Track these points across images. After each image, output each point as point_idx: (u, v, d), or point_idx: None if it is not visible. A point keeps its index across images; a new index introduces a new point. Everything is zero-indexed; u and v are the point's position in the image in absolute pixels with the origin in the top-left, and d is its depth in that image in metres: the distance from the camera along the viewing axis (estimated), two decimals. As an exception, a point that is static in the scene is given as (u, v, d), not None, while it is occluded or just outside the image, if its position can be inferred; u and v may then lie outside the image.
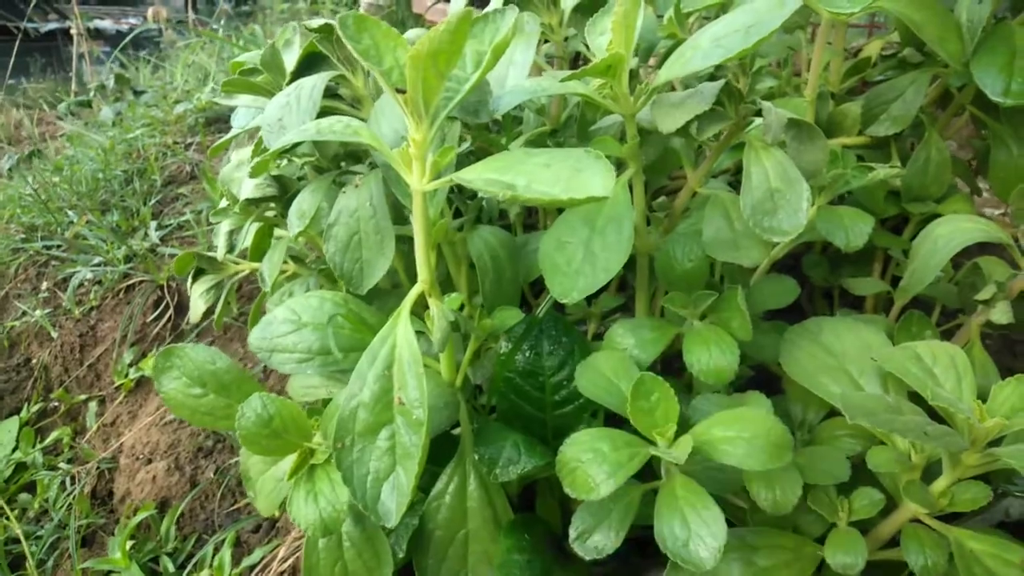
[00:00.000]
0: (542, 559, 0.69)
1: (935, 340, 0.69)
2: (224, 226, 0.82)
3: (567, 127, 0.84)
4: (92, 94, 3.59)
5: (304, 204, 0.75)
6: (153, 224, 1.83)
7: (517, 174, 0.47)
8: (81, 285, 1.79)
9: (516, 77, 0.69)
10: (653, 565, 0.87)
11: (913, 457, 0.61)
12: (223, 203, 0.84)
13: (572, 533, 0.68)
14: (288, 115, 0.62)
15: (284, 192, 0.80)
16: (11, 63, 4.61)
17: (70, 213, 1.99)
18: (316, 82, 0.62)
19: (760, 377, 0.86)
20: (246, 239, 0.85)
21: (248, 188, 0.78)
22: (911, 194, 0.88)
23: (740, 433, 0.58)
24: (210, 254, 0.88)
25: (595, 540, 0.66)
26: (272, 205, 0.86)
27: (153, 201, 1.94)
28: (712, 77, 0.74)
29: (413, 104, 0.50)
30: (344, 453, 0.55)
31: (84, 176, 2.11)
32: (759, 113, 0.66)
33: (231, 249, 0.82)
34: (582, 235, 0.63)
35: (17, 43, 4.49)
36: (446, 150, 0.53)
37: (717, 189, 0.72)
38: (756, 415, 0.60)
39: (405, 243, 0.88)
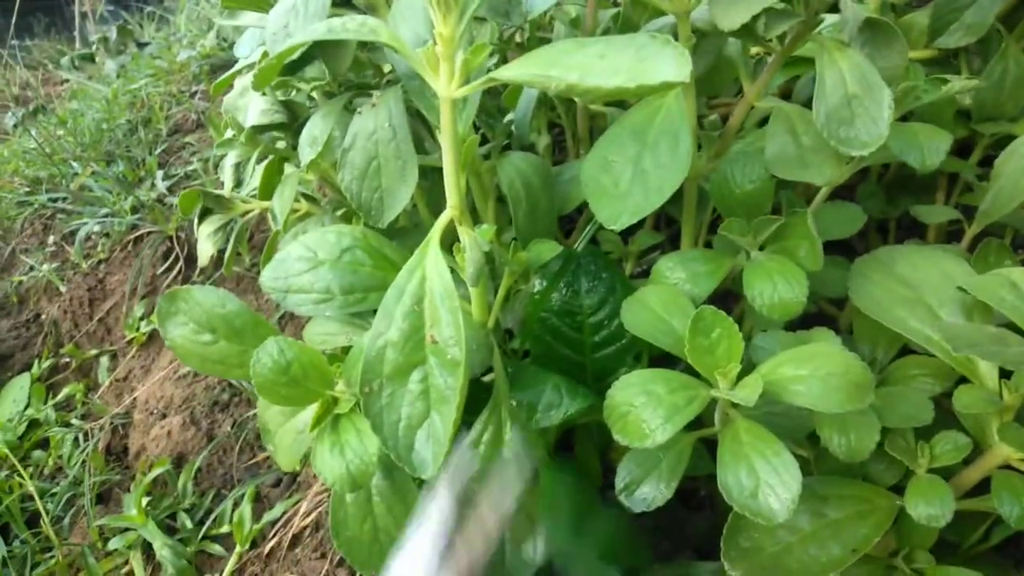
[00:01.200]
0: (583, 498, 0.63)
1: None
2: (230, 158, 0.75)
3: (604, 41, 0.76)
4: (95, 47, 3.49)
5: (316, 130, 0.68)
6: (160, 174, 1.77)
7: (567, 68, 0.40)
8: (88, 238, 1.73)
9: (551, -21, 0.61)
10: (699, 517, 0.82)
11: (1006, 396, 0.54)
12: (228, 133, 0.77)
13: (619, 483, 0.62)
14: (294, 20, 0.55)
15: (294, 119, 0.73)
16: (13, 23, 4.51)
17: (75, 165, 1.92)
18: (325, -21, 0.55)
19: (819, 318, 0.79)
20: (254, 174, 0.78)
21: (254, 114, 0.71)
22: (984, 112, 0.79)
23: (814, 371, 0.51)
24: (217, 192, 0.82)
25: (643, 492, 0.61)
26: (281, 136, 0.79)
27: (159, 151, 1.87)
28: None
29: (440, -8, 0.43)
30: (372, 398, 0.49)
31: (88, 127, 2.04)
32: (830, 9, 0.58)
33: (238, 184, 0.76)
34: (631, 152, 0.56)
35: (18, 3, 4.39)
36: (479, 47, 0.46)
37: (777, 103, 0.65)
38: (831, 351, 0.53)
39: (425, 176, 0.82)
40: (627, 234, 0.91)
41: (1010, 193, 0.62)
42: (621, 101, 0.88)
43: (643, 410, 0.53)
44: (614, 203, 0.55)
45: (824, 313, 0.83)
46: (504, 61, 1.10)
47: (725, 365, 0.54)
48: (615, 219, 0.54)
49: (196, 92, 2.18)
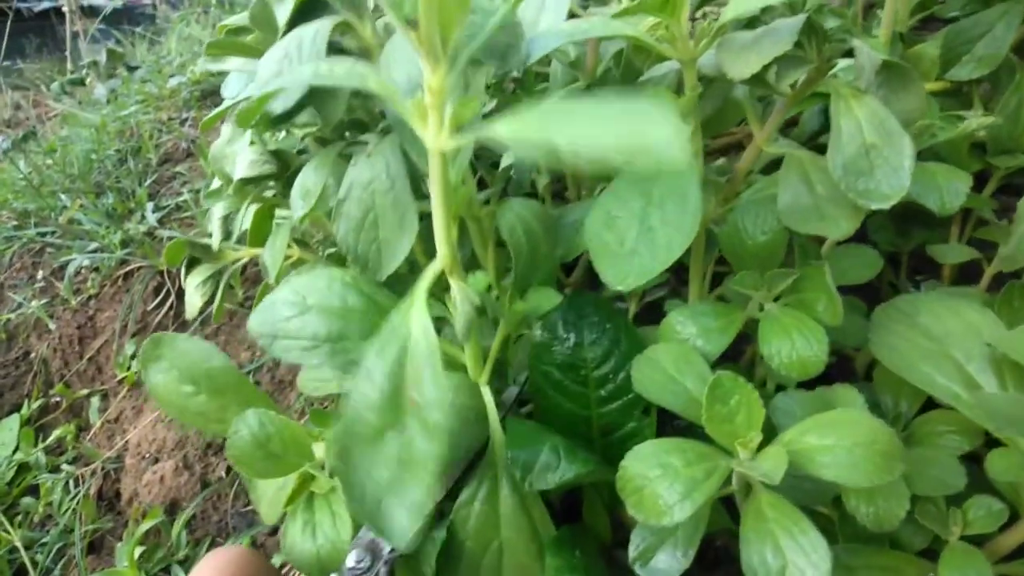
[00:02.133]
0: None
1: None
2: (217, 210, 0.72)
3: (604, 82, 0.73)
4: (85, 72, 3.47)
5: (308, 181, 0.65)
6: (150, 206, 1.74)
7: (556, 129, 0.36)
8: (78, 273, 1.70)
9: (551, 21, 0.58)
10: None
11: (1043, 461, 0.51)
12: (215, 183, 0.74)
13: (632, 552, 0.59)
14: (287, 68, 0.51)
15: (284, 169, 0.70)
16: (4, 44, 4.48)
17: (63, 197, 1.89)
18: (318, 28, 0.52)
19: (840, 366, 0.76)
20: (243, 223, 0.75)
21: (243, 166, 0.68)
22: (999, 145, 0.77)
23: (839, 441, 0.48)
24: (204, 241, 0.78)
25: (660, 561, 0.57)
26: (271, 184, 0.76)
27: (149, 181, 1.84)
28: (753, 22, 0.63)
29: (428, 41, 0.40)
30: (346, 460, 0.45)
31: (77, 157, 2.01)
32: (843, 55, 0.55)
33: (227, 236, 0.72)
34: (636, 207, 0.53)
35: (9, 23, 4.36)
36: (467, 100, 0.43)
37: (787, 148, 0.62)
38: (856, 418, 0.50)
39: (423, 220, 0.78)
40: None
41: (1037, 236, 0.59)
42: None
43: (659, 484, 0.50)
44: (619, 263, 0.52)
45: (840, 354, 0.80)
46: (503, 102, 1.08)
47: (745, 434, 0.50)
48: (621, 280, 0.51)
49: (186, 119, 2.15)
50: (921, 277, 0.86)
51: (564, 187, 1.04)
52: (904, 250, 0.89)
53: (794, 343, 0.55)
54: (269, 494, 0.70)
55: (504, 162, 0.77)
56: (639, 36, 0.53)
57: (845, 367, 0.77)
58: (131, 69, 3.25)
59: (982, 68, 0.74)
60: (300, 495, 0.55)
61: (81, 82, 3.53)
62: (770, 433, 0.53)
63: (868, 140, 0.51)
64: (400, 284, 0.78)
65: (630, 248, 0.53)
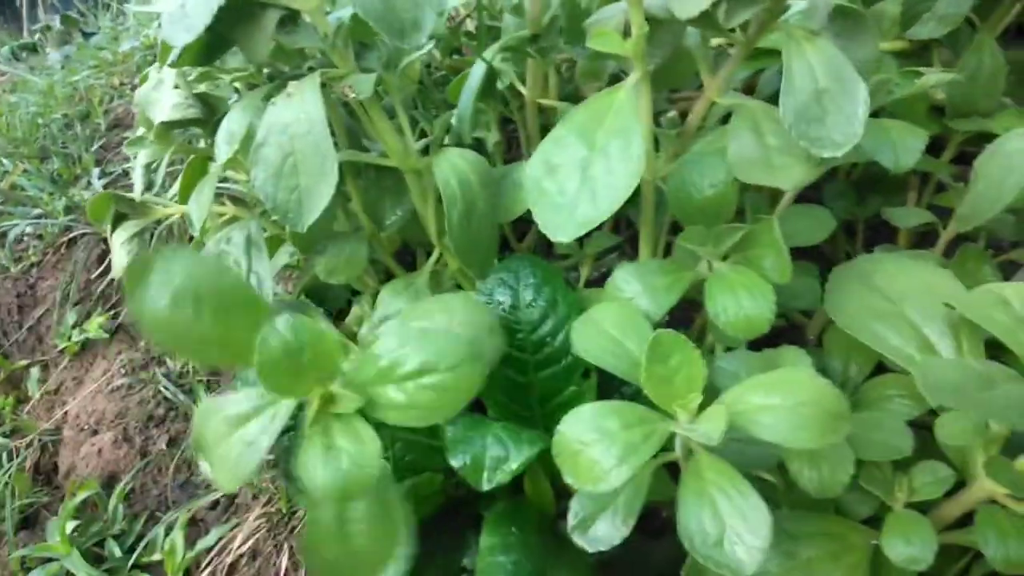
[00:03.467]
0: (533, 557, 0.57)
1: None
2: (140, 158, 0.67)
3: (551, 31, 0.70)
4: (37, 37, 3.34)
5: (234, 124, 0.61)
6: (96, 172, 1.66)
7: None
8: (19, 240, 1.62)
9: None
10: (661, 545, 0.76)
11: (993, 427, 0.49)
12: (139, 131, 0.69)
13: (571, 520, 0.56)
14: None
15: (211, 114, 0.66)
16: (-44, 10, 4.30)
17: (5, 162, 1.81)
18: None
19: (789, 330, 0.74)
20: (166, 175, 0.70)
21: (166, 109, 0.64)
22: (957, 108, 0.75)
23: (783, 401, 0.46)
24: (129, 195, 0.74)
25: (599, 529, 0.55)
26: (201, 133, 0.72)
27: (96, 147, 1.76)
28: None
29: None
30: None
31: (20, 120, 1.92)
32: (798, -3, 0.53)
33: (150, 186, 0.68)
34: (578, 155, 0.50)
35: (-39, -11, 4.19)
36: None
37: (740, 99, 0.59)
38: (802, 378, 0.47)
39: (361, 174, 0.74)
40: (583, 235, 0.85)
41: (993, 196, 0.57)
42: (572, 98, 0.82)
43: (595, 448, 0.47)
44: (560, 213, 0.49)
45: (791, 321, 0.78)
46: (458, 52, 1.04)
47: (685, 396, 0.48)
48: (561, 231, 0.48)
49: (138, 85, 2.07)
50: (878, 247, 0.85)
51: (519, 154, 1.01)
52: (861, 217, 0.87)
53: (740, 301, 0.52)
54: (233, 454, 0.63)
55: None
56: (582, -30, 0.49)
57: (796, 334, 0.75)
58: (87, 36, 3.14)
59: (942, 27, 0.72)
60: (321, 419, 0.49)
61: (33, 47, 3.41)
62: (714, 396, 0.50)
63: (821, 85, 0.48)
64: (340, 245, 0.75)
65: (571, 198, 0.50)
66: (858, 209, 0.86)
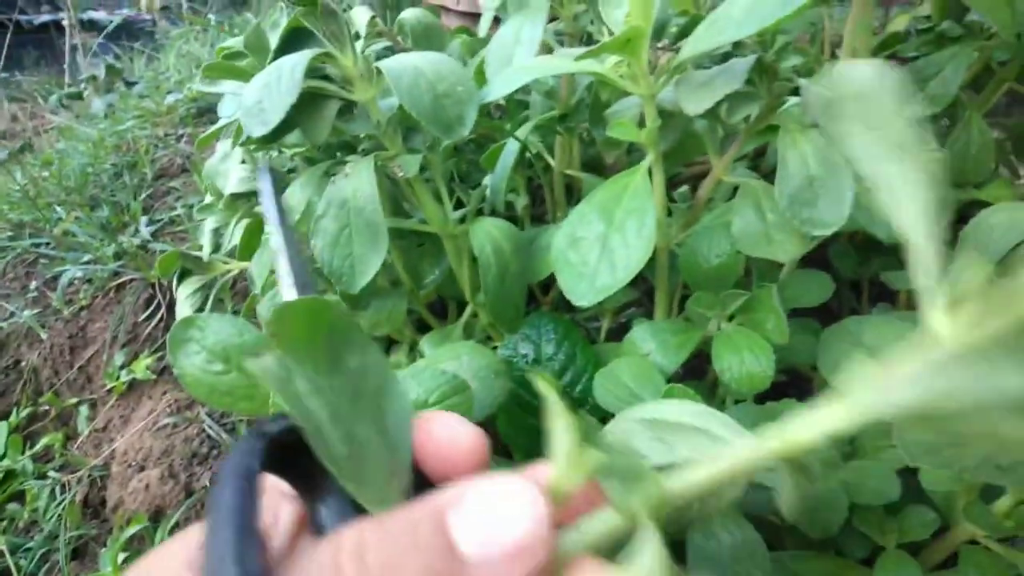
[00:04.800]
0: None
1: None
2: (209, 223, 0.76)
3: (578, 111, 0.78)
4: (83, 86, 3.51)
5: (293, 198, 0.69)
6: (144, 220, 1.77)
7: None
8: (71, 284, 1.72)
9: (523, 56, 0.63)
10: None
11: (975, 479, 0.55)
12: (208, 199, 0.78)
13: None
14: (268, 97, 0.55)
15: (272, 186, 0.74)
16: (3, 56, 4.52)
17: (58, 209, 1.92)
18: (298, 60, 0.56)
19: (794, 383, 0.80)
20: (233, 236, 0.79)
21: (233, 182, 0.72)
22: (950, 179, 0.81)
23: (780, 450, 0.52)
24: (196, 254, 0.82)
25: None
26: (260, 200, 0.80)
27: (143, 195, 1.87)
28: (726, 58, 0.68)
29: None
30: None
31: (73, 170, 2.04)
32: (792, 92, 0.60)
33: (217, 248, 0.76)
34: (598, 231, 0.57)
35: (9, 35, 4.41)
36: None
37: (745, 177, 0.66)
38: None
39: (405, 238, 0.82)
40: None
41: (973, 266, 0.63)
42: (595, 165, 0.90)
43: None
44: (582, 281, 0.56)
45: (802, 377, 0.84)
46: (487, 115, 1.12)
47: (694, 443, 0.54)
48: (584, 296, 0.55)
49: (182, 136, 2.19)
50: (882, 304, 0.91)
51: (544, 210, 1.08)
52: (865, 277, 0.93)
53: (743, 359, 0.59)
54: None
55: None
56: (604, 73, 0.57)
57: (802, 386, 0.81)
58: (129, 84, 3.30)
59: (934, 106, 0.79)
60: None
61: (79, 96, 3.58)
62: (720, 443, 0.57)
63: (813, 172, 0.55)
64: (382, 299, 0.82)
65: (592, 268, 0.57)
66: (861, 268, 0.92)
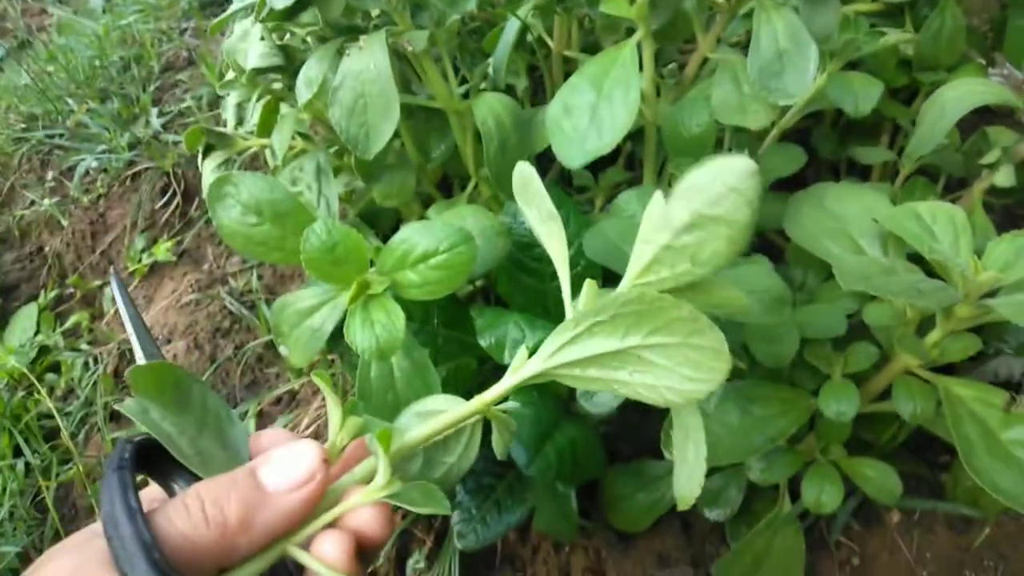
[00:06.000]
0: (549, 413, 0.73)
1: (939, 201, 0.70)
2: (232, 98, 0.82)
3: (575, -9, 0.82)
4: (79, -21, 3.45)
5: (311, 72, 0.75)
6: (154, 111, 1.81)
7: None
8: (87, 173, 1.79)
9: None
10: (652, 419, 0.92)
11: (908, 312, 0.64)
12: (230, 75, 0.83)
13: (579, 391, 0.71)
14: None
15: (290, 62, 0.80)
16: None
17: (70, 101, 1.96)
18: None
19: (764, 246, 0.88)
20: (254, 113, 0.85)
21: (254, 57, 0.78)
22: (923, 62, 0.87)
23: (741, 290, 0.60)
24: (219, 129, 0.88)
25: (601, 395, 0.70)
26: (278, 78, 0.86)
27: (152, 88, 1.91)
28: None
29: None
30: None
31: (80, 64, 2.07)
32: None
33: (240, 122, 0.83)
34: (588, 99, 0.64)
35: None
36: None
37: (726, 54, 0.72)
38: (756, 272, 0.62)
39: (412, 115, 0.89)
40: (598, 171, 0.99)
41: (928, 137, 0.70)
42: (595, 50, 0.95)
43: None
44: (573, 145, 0.63)
45: (772, 243, 0.92)
46: (490, 4, 1.16)
47: (668, 285, 0.62)
48: (573, 159, 0.62)
49: (186, 29, 2.20)
50: (853, 177, 0.98)
51: (544, 98, 1.14)
52: (843, 158, 1.00)
53: (716, 216, 0.66)
54: (303, 339, 0.79)
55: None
56: (596, -50, 0.62)
57: (778, 253, 0.89)
58: (126, -21, 3.25)
59: (911, -9, 0.84)
60: (359, 299, 0.65)
61: (75, -10, 3.52)
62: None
63: (782, 46, 0.62)
64: (392, 174, 0.89)
65: (582, 133, 0.64)
66: (840, 150, 0.99)
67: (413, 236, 0.65)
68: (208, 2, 2.41)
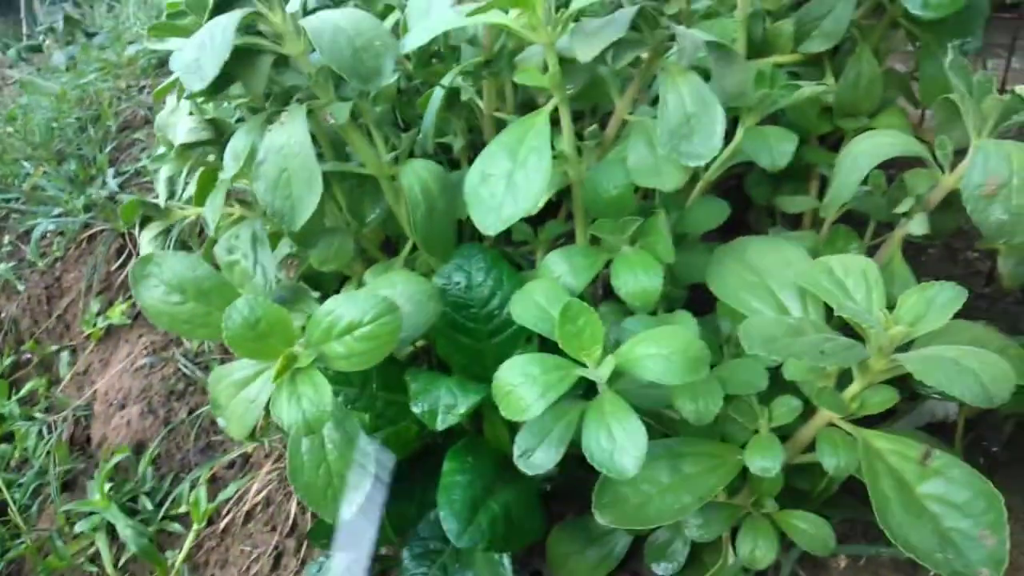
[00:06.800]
0: (484, 479, 0.73)
1: (853, 254, 0.71)
2: (163, 172, 0.82)
3: (500, 57, 0.84)
4: (42, 38, 3.47)
5: (238, 144, 0.75)
6: (111, 171, 1.82)
7: None
8: (43, 237, 1.78)
9: (439, 8, 0.69)
10: (597, 476, 0.92)
11: (828, 367, 0.64)
12: (160, 149, 0.84)
13: (516, 452, 0.71)
14: (204, 54, 0.62)
15: (220, 135, 0.81)
16: (-44, 8, 4.41)
17: (26, 164, 1.96)
18: (229, 19, 0.62)
19: (700, 295, 0.89)
20: (188, 186, 0.85)
21: (183, 133, 0.78)
22: (843, 110, 0.89)
23: (660, 350, 0.61)
24: (155, 201, 0.89)
25: (537, 457, 0.70)
26: (212, 150, 0.86)
27: (109, 148, 1.91)
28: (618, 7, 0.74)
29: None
30: None
31: (38, 125, 2.07)
32: (672, 39, 0.67)
33: (172, 195, 0.83)
34: (504, 167, 0.65)
35: (-39, -14, 4.29)
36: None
37: (645, 116, 0.73)
38: (676, 332, 0.62)
39: (349, 180, 0.89)
40: (538, 224, 1.00)
41: (842, 188, 0.72)
42: (532, 107, 0.96)
43: (522, 388, 0.63)
44: (491, 213, 0.64)
45: (710, 293, 0.93)
46: (436, 56, 1.18)
47: (590, 347, 0.63)
48: (491, 226, 0.63)
49: (144, 87, 2.21)
50: (785, 228, 0.99)
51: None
52: (776, 203, 1.01)
53: (637, 277, 0.68)
54: (239, 411, 0.79)
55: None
56: (506, 24, 0.64)
57: (711, 303, 0.90)
58: (89, 35, 3.26)
59: (828, 42, 0.86)
60: (285, 373, 0.65)
61: (38, 48, 3.54)
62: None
63: (689, 110, 0.63)
64: (329, 239, 0.89)
65: (499, 200, 0.65)
66: (773, 196, 1.00)
67: (338, 308, 0.66)
68: (167, 59, 2.43)
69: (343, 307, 0.65)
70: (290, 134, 0.69)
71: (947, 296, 0.60)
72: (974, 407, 0.84)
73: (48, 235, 1.78)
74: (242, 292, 0.78)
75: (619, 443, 0.60)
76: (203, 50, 0.62)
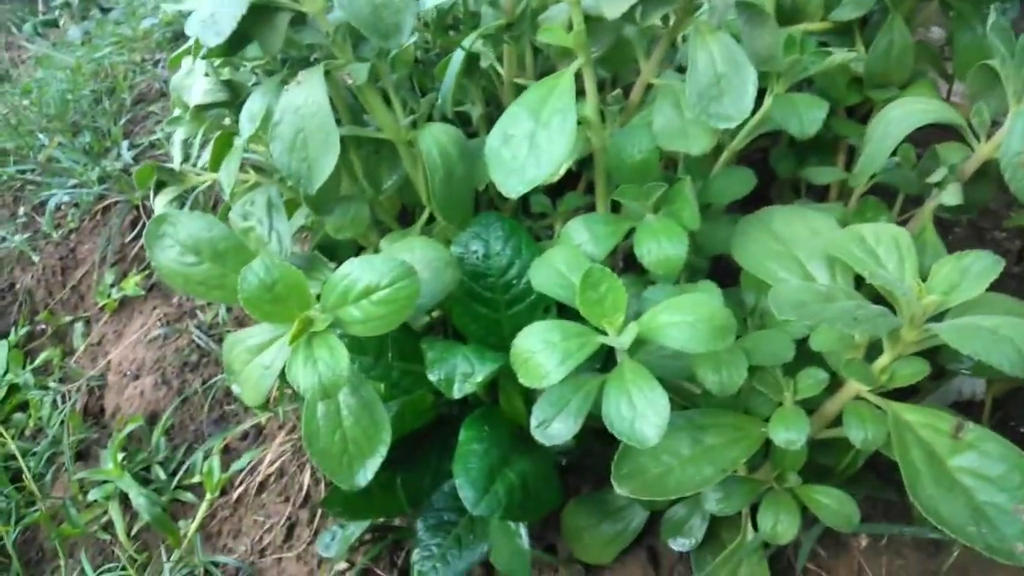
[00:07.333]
0: (500, 448, 0.71)
1: (886, 223, 0.69)
2: (177, 135, 0.81)
3: (523, 19, 0.82)
4: (57, 13, 3.46)
5: (254, 106, 0.74)
6: (125, 144, 1.81)
7: None
8: (58, 208, 1.78)
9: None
10: (614, 451, 0.90)
11: (856, 337, 0.63)
12: (176, 112, 0.83)
13: (533, 422, 0.70)
14: (220, 9, 0.60)
15: (235, 96, 0.79)
16: (-27, -16, 4.42)
17: (41, 136, 1.95)
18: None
19: (722, 268, 0.87)
20: (203, 155, 0.84)
21: (198, 94, 0.77)
22: (873, 80, 0.86)
23: (685, 317, 0.59)
24: (170, 166, 0.88)
25: (555, 428, 0.68)
26: (227, 112, 0.85)
27: (123, 120, 1.90)
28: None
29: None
30: None
31: (53, 98, 2.06)
32: (707, -4, 0.65)
33: (186, 159, 0.82)
34: (527, 128, 0.63)
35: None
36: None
37: (671, 79, 0.71)
38: (701, 300, 0.61)
39: (366, 146, 0.88)
40: (556, 195, 0.98)
41: (874, 157, 0.70)
42: (551, 72, 0.94)
43: (541, 355, 0.61)
44: (513, 174, 0.62)
45: (733, 264, 0.91)
46: (454, 28, 1.16)
47: (612, 314, 0.61)
48: (513, 188, 0.62)
49: (159, 60, 2.20)
50: (812, 200, 0.97)
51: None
52: (802, 177, 0.99)
53: (660, 244, 0.66)
54: (253, 377, 0.77)
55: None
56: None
57: (734, 275, 0.88)
58: (104, 11, 3.25)
59: (858, 9, 0.83)
60: (302, 336, 0.63)
61: (54, 23, 3.53)
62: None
63: (719, 70, 0.61)
64: (345, 206, 0.88)
65: (521, 162, 0.63)
66: (798, 169, 0.98)
67: (355, 271, 0.64)
68: (181, 32, 2.42)
69: (361, 270, 0.64)
70: (307, 94, 0.67)
71: (983, 265, 0.58)
72: (1002, 386, 0.83)
73: (63, 206, 1.77)
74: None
75: (640, 411, 0.58)
76: (220, 4, 0.61)
